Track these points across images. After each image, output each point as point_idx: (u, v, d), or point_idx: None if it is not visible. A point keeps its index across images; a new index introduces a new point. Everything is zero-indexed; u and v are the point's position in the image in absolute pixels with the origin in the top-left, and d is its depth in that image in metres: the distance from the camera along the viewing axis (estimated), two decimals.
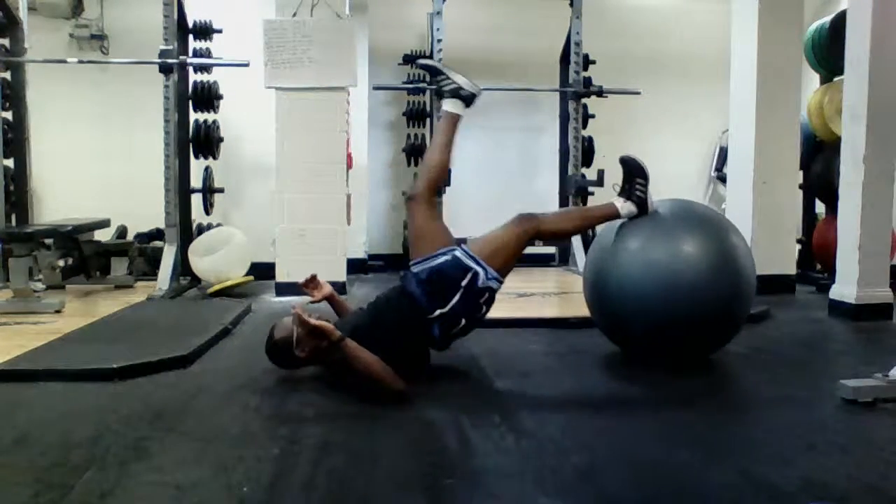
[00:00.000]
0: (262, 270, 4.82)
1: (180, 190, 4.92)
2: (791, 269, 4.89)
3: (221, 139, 5.32)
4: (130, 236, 5.40)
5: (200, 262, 4.74)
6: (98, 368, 2.60)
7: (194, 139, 5.16)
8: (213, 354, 3.02)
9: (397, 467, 1.79)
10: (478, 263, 2.52)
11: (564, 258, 5.93)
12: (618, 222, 2.81)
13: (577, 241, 5.62)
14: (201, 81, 5.23)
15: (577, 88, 5.73)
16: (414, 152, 5.89)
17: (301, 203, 4.66)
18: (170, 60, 4.70)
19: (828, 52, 4.92)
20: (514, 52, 6.30)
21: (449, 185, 5.59)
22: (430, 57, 5.69)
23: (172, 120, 4.75)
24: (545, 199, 6.29)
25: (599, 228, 3.01)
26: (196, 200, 5.27)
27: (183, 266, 4.85)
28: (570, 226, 2.90)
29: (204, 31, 5.29)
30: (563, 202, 5.99)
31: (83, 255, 4.71)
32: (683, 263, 2.65)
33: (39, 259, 4.18)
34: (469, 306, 2.52)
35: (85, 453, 1.86)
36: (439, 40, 5.48)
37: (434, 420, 2.17)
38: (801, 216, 5.38)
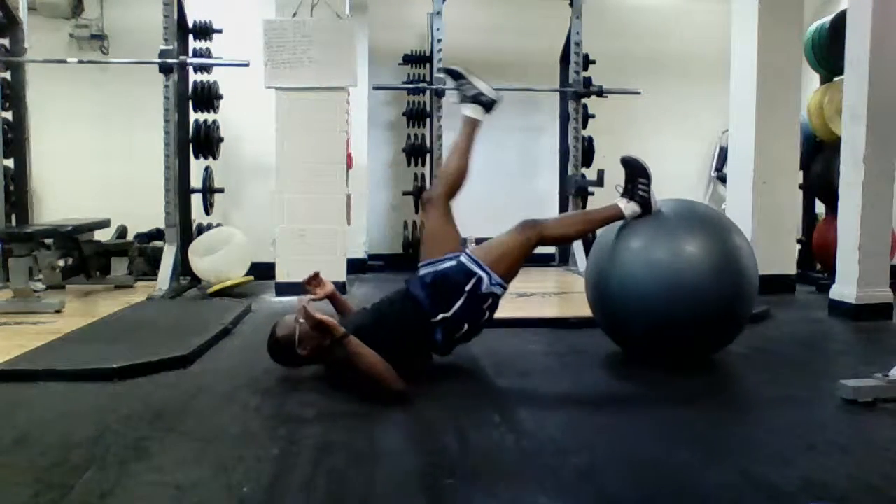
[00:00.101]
0: (262, 270, 4.82)
1: (180, 190, 4.92)
2: (791, 269, 4.89)
3: (221, 139, 5.32)
4: (130, 236, 5.40)
5: (200, 262, 4.74)
6: (98, 368, 2.60)
7: (194, 139, 5.16)
8: (213, 354, 3.02)
9: (397, 467, 1.79)
10: (482, 269, 2.53)
11: (564, 258, 5.93)
12: (619, 222, 2.81)
13: (577, 241, 5.61)
14: (201, 81, 5.23)
15: (577, 88, 5.73)
16: (414, 152, 5.89)
17: (301, 203, 4.66)
18: (170, 60, 4.70)
19: (828, 52, 4.92)
20: (514, 52, 6.30)
21: None
22: (430, 57, 5.70)
23: (172, 120, 4.75)
24: (545, 199, 6.30)
25: (601, 229, 3.01)
26: (196, 200, 5.27)
27: (183, 266, 4.85)
28: (573, 230, 2.91)
29: (204, 31, 5.29)
30: (564, 202, 5.99)
31: (83, 255, 4.71)
32: (686, 263, 2.65)
33: (39, 259, 4.18)
34: (472, 311, 2.54)
35: (85, 453, 1.86)
36: (439, 40, 5.48)
37: (434, 420, 2.17)
38: (801, 216, 5.37)
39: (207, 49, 5.35)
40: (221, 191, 5.42)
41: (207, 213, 5.40)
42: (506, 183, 6.40)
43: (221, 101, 5.31)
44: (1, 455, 1.88)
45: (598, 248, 2.91)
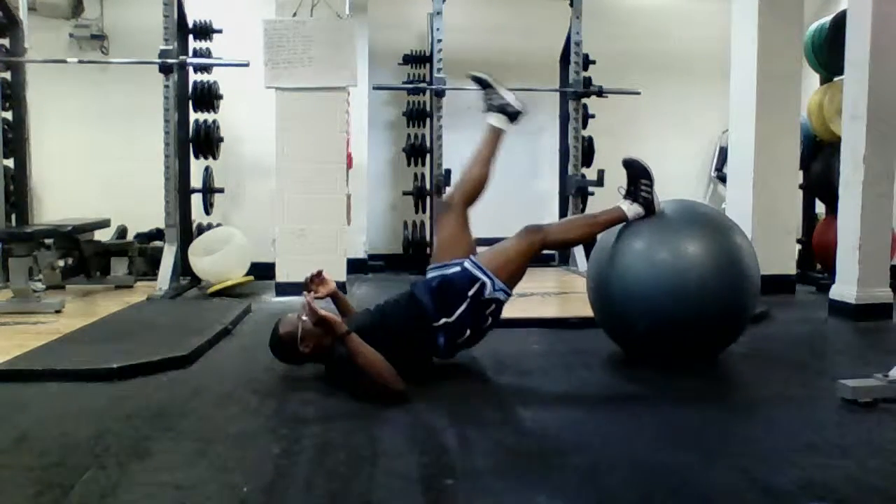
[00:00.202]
0: (262, 270, 4.82)
1: (180, 190, 4.92)
2: (791, 269, 4.89)
3: (221, 139, 5.32)
4: (130, 236, 5.40)
5: (200, 262, 4.74)
6: (98, 368, 2.60)
7: (194, 139, 5.16)
8: (213, 354, 3.02)
9: (397, 467, 1.79)
10: (485, 274, 2.54)
11: (565, 258, 5.93)
12: None
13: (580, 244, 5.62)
14: (201, 81, 5.23)
15: (577, 88, 5.73)
16: (414, 152, 5.88)
17: (301, 203, 4.66)
18: (170, 60, 4.70)
19: (828, 53, 4.92)
20: (514, 52, 6.29)
21: (449, 184, 5.59)
22: (430, 57, 5.70)
23: (172, 120, 4.75)
24: (545, 199, 6.30)
25: None
26: (196, 200, 5.27)
27: (183, 266, 4.85)
28: (576, 234, 2.91)
29: (204, 31, 5.29)
30: (564, 202, 5.99)
31: (83, 255, 4.71)
32: (688, 263, 2.65)
33: (39, 259, 4.18)
34: (475, 317, 2.55)
35: (85, 453, 1.86)
36: (439, 40, 5.48)
37: (434, 420, 2.17)
38: (801, 216, 5.37)
39: (207, 49, 5.35)
40: (221, 191, 5.42)
41: (207, 213, 5.40)
42: (506, 183, 6.32)
43: (221, 101, 5.31)
44: (1, 455, 1.88)
45: (601, 249, 2.91)
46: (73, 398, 2.37)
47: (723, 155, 6.33)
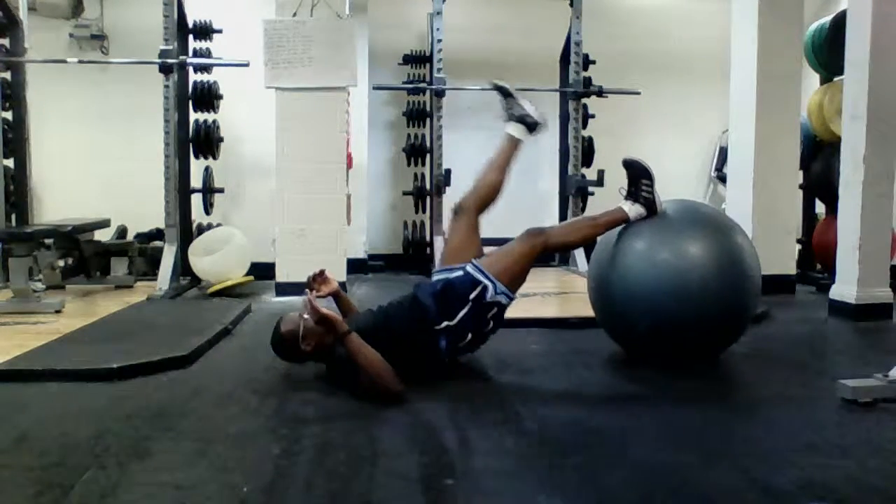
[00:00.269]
0: (262, 270, 4.82)
1: (180, 190, 4.92)
2: (791, 269, 4.89)
3: (221, 139, 5.32)
4: (130, 236, 5.40)
5: (200, 262, 4.74)
6: (98, 368, 2.60)
7: (194, 139, 5.16)
8: (213, 354, 3.02)
9: (397, 467, 1.79)
10: (487, 278, 2.55)
11: (564, 258, 5.93)
12: None
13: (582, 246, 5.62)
14: (201, 81, 5.22)
15: (577, 88, 5.73)
16: (414, 152, 5.89)
17: (301, 203, 4.66)
18: (170, 60, 4.70)
19: (828, 52, 4.92)
20: (514, 52, 6.29)
21: (449, 185, 5.59)
22: (430, 57, 5.70)
23: (172, 120, 4.75)
24: (545, 199, 6.30)
25: None
26: (196, 200, 5.27)
27: (183, 266, 4.85)
28: (578, 237, 2.90)
29: (204, 31, 5.29)
30: (564, 202, 5.99)
31: (83, 255, 4.71)
32: (689, 264, 2.65)
33: (39, 259, 4.18)
34: (477, 321, 2.55)
35: (85, 453, 1.86)
36: (439, 40, 5.48)
37: (434, 420, 2.17)
38: (801, 216, 5.37)
39: (207, 49, 5.35)
40: (221, 191, 5.42)
41: (207, 213, 5.40)
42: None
43: (221, 101, 5.31)
44: (1, 455, 1.88)
45: (602, 249, 2.91)
46: (73, 398, 2.37)
47: (723, 155, 6.33)
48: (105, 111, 5.70)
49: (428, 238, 5.82)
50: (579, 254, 5.54)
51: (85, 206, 5.32)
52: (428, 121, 5.95)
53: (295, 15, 4.64)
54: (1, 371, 2.59)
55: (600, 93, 5.76)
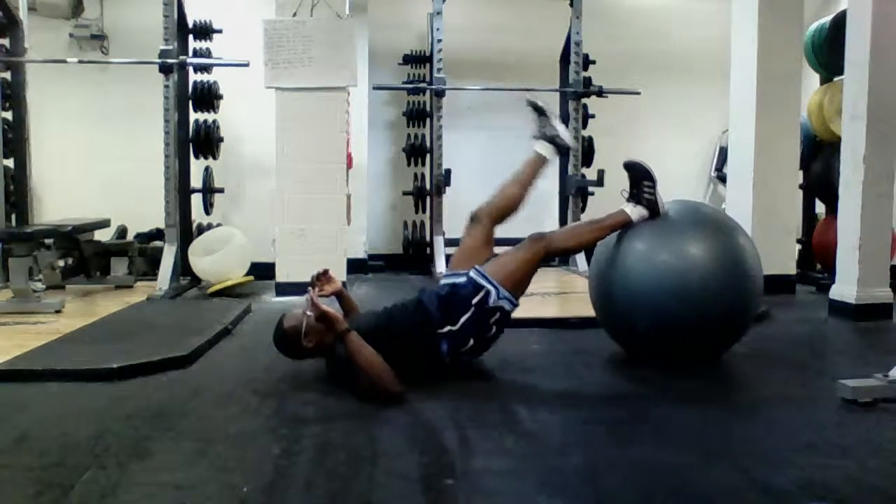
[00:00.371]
0: (262, 270, 4.82)
1: (180, 190, 4.92)
2: (791, 269, 4.88)
3: (221, 139, 5.32)
4: (130, 236, 5.40)
5: (200, 262, 4.74)
6: (98, 368, 2.60)
7: (194, 139, 5.16)
8: (213, 354, 3.02)
9: (397, 467, 1.79)
10: (490, 283, 2.56)
11: (565, 258, 5.92)
12: None
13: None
14: (201, 81, 5.22)
15: (577, 88, 5.72)
16: (414, 152, 5.88)
17: (301, 203, 4.66)
18: (170, 60, 4.70)
19: (828, 53, 4.92)
20: (514, 52, 6.29)
21: (449, 185, 5.60)
22: (430, 57, 5.70)
23: (172, 120, 4.75)
24: (545, 199, 6.29)
25: None
26: (196, 200, 5.27)
27: (183, 266, 4.85)
28: (581, 240, 2.90)
29: (204, 31, 5.29)
30: (564, 202, 5.99)
31: (83, 255, 4.71)
32: (691, 264, 2.65)
33: (39, 259, 4.18)
34: (479, 326, 2.56)
35: (85, 453, 1.86)
36: (439, 40, 5.48)
37: (434, 420, 2.17)
38: (801, 216, 5.37)
39: (207, 49, 5.35)
40: (221, 191, 5.42)
41: (207, 213, 5.40)
42: None
43: (221, 101, 5.31)
44: (1, 455, 1.88)
45: (603, 249, 2.91)
46: (73, 398, 2.37)
47: (723, 155, 6.33)
48: (105, 111, 5.70)
49: (428, 238, 5.82)
50: (580, 254, 5.54)
51: (85, 206, 5.31)
52: (428, 121, 5.95)
53: (295, 15, 4.64)
54: (1, 371, 2.59)
55: (600, 93, 5.76)
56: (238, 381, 2.57)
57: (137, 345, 2.98)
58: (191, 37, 5.29)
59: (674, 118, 6.57)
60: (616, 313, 2.86)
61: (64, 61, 5.22)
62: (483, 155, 6.42)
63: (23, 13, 4.88)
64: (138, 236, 5.36)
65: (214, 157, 5.32)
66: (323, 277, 2.78)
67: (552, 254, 2.72)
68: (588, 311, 3.09)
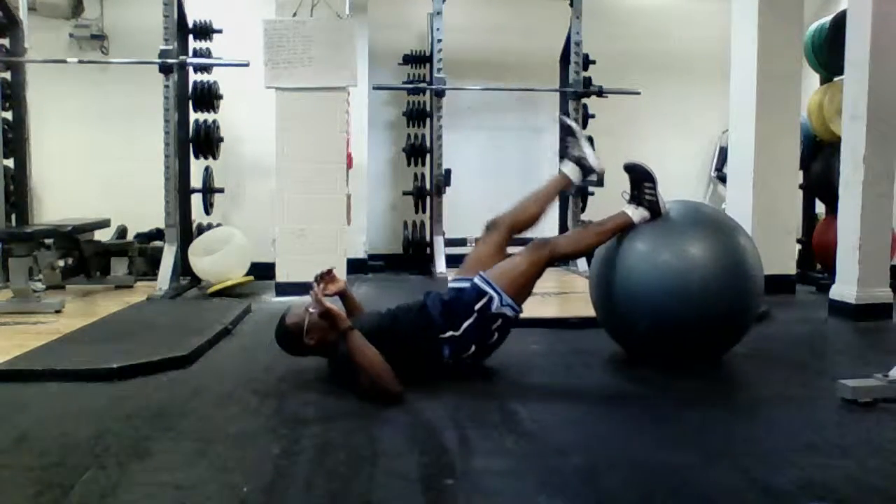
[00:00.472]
0: (262, 270, 4.82)
1: (180, 190, 4.92)
2: (791, 269, 4.88)
3: (221, 139, 5.32)
4: (130, 236, 5.40)
5: (200, 262, 4.74)
6: (98, 368, 2.60)
7: (194, 139, 5.16)
8: (213, 354, 3.02)
9: (397, 467, 1.79)
10: (493, 289, 2.56)
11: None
12: None
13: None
14: (201, 81, 5.22)
15: (577, 88, 5.72)
16: (414, 152, 5.88)
17: (301, 203, 4.66)
18: (170, 60, 4.70)
19: (828, 52, 4.91)
20: (514, 52, 6.29)
21: (449, 185, 5.60)
22: (430, 57, 5.70)
23: (172, 120, 4.75)
24: None
25: None
26: (196, 200, 5.27)
27: (183, 266, 4.85)
28: (585, 245, 2.91)
29: (204, 31, 5.28)
30: (563, 202, 5.99)
31: (83, 255, 4.71)
32: (692, 264, 2.65)
33: (39, 259, 4.18)
34: (481, 332, 2.56)
35: (85, 453, 1.86)
36: (439, 40, 5.48)
37: (434, 420, 2.17)
38: (801, 216, 5.37)
39: (207, 49, 5.35)
40: (221, 191, 5.42)
41: (207, 213, 5.40)
42: (506, 183, 6.38)
43: (221, 101, 5.30)
44: (1, 455, 1.88)
45: (603, 250, 2.90)
46: (73, 398, 2.37)
47: (723, 155, 6.33)
48: (105, 111, 5.70)
49: (428, 238, 5.82)
50: None
51: (85, 206, 5.32)
52: (428, 121, 5.95)
53: (295, 15, 4.64)
54: (1, 371, 2.59)
55: (600, 93, 5.76)
56: (238, 381, 2.57)
57: (137, 345, 2.98)
58: (191, 37, 5.28)
59: (674, 118, 6.57)
60: (616, 313, 2.86)
61: (64, 61, 5.22)
62: (483, 155, 6.43)
63: (23, 13, 4.89)
64: (138, 236, 5.36)
65: (214, 157, 5.32)
66: (327, 276, 2.77)
67: (556, 259, 2.72)
68: (588, 311, 3.09)
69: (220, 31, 5.32)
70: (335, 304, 2.52)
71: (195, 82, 5.22)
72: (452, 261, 5.38)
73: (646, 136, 6.38)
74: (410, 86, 5.85)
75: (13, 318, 3.64)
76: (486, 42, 6.35)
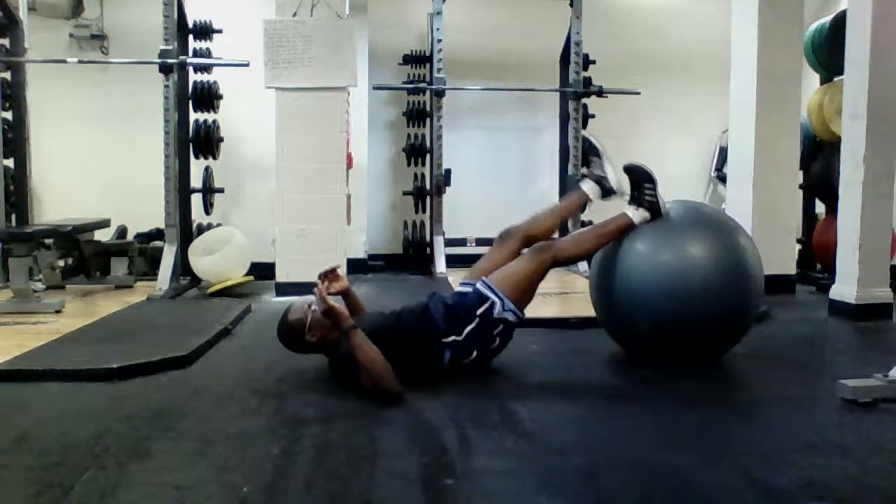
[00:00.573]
0: (262, 270, 4.82)
1: (180, 190, 4.92)
2: (791, 269, 4.88)
3: (221, 139, 5.32)
4: (130, 236, 5.40)
5: (200, 262, 4.74)
6: (98, 368, 2.60)
7: (194, 139, 5.16)
8: (213, 354, 3.02)
9: (397, 467, 1.79)
10: (495, 294, 2.58)
11: None
12: None
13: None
14: (201, 81, 5.22)
15: (577, 88, 5.72)
16: (414, 152, 5.89)
17: (301, 203, 4.66)
18: (170, 60, 4.70)
19: (828, 53, 4.92)
20: (514, 52, 6.29)
21: (449, 184, 5.60)
22: (430, 57, 5.70)
23: (172, 120, 4.75)
24: (545, 199, 6.28)
25: None
26: (196, 200, 5.26)
27: (183, 266, 4.85)
28: (586, 248, 2.89)
29: (204, 31, 5.28)
30: None
31: (83, 255, 4.71)
32: (692, 264, 2.65)
33: (39, 259, 4.18)
34: (483, 337, 2.57)
35: (85, 453, 1.86)
36: (439, 40, 5.48)
37: (434, 420, 2.17)
38: (801, 216, 5.37)
39: (207, 49, 5.35)
40: (221, 191, 5.42)
41: (207, 213, 5.40)
42: (506, 183, 6.40)
43: (221, 101, 5.30)
44: (1, 455, 1.88)
45: (604, 250, 2.90)
46: (73, 398, 2.37)
47: (723, 155, 6.33)
48: (105, 111, 5.70)
49: (428, 238, 5.82)
50: None
51: (85, 206, 5.31)
52: (428, 121, 5.95)
53: (295, 15, 4.64)
54: (1, 371, 2.59)
55: (600, 93, 5.76)
56: (238, 381, 2.57)
57: (137, 345, 2.98)
58: (191, 37, 5.28)
59: (674, 118, 6.56)
60: (617, 313, 2.86)
61: (64, 61, 5.22)
62: (483, 155, 6.43)
63: (23, 13, 4.88)
64: (138, 236, 5.36)
65: (214, 157, 5.32)
66: (331, 274, 2.77)
67: (558, 264, 2.72)
68: (588, 311, 3.09)
69: (220, 31, 5.32)
70: (338, 303, 2.53)
71: (195, 82, 5.22)
72: (452, 261, 5.38)
73: (646, 136, 6.37)
74: (410, 86, 5.85)
75: (13, 318, 3.63)
76: (486, 42, 6.35)
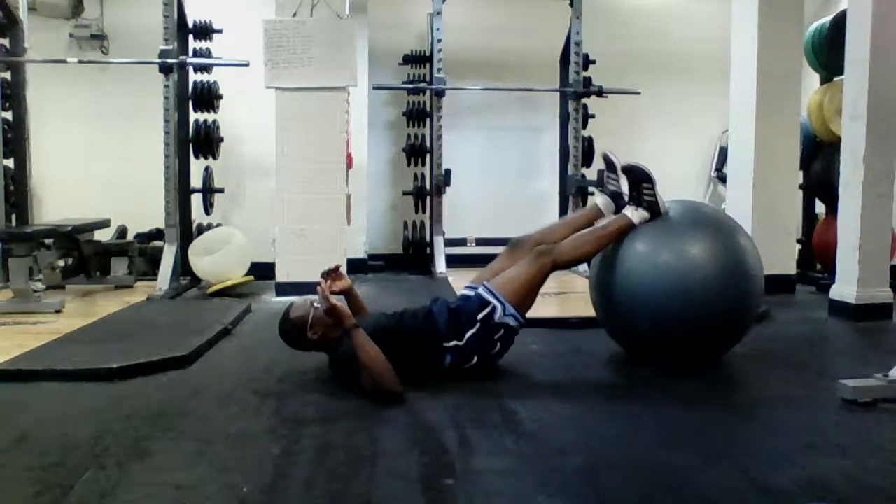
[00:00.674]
0: (262, 270, 4.82)
1: (180, 190, 4.92)
2: (791, 269, 4.88)
3: (221, 139, 5.32)
4: (130, 236, 5.40)
5: (200, 262, 4.74)
6: (98, 368, 2.60)
7: (194, 139, 5.16)
8: (213, 354, 3.02)
9: (397, 467, 1.79)
10: (496, 298, 2.58)
11: None
12: None
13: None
14: (201, 81, 5.22)
15: (577, 88, 5.72)
16: (414, 152, 5.88)
17: (301, 203, 4.66)
18: (170, 60, 4.70)
19: (828, 53, 4.91)
20: (514, 52, 6.29)
21: (449, 184, 5.60)
22: (430, 57, 5.70)
23: (172, 120, 4.75)
24: (545, 199, 6.30)
25: None
26: (196, 200, 5.27)
27: (183, 266, 4.85)
28: (587, 250, 2.88)
29: (204, 31, 5.29)
30: (564, 202, 5.99)
31: (83, 255, 4.71)
32: (692, 264, 2.65)
33: (39, 259, 4.18)
34: (484, 342, 2.57)
35: (85, 453, 1.86)
36: (439, 40, 5.48)
37: (434, 420, 2.17)
38: (801, 216, 5.37)
39: (207, 49, 5.35)
40: (221, 191, 5.42)
41: (207, 213, 5.40)
42: (506, 183, 6.40)
43: (221, 101, 5.30)
44: (1, 455, 1.88)
45: (604, 250, 2.90)
46: (73, 398, 2.37)
47: (723, 155, 6.33)
48: (105, 111, 5.70)
49: (428, 238, 5.82)
50: None
51: (85, 206, 5.32)
52: (428, 121, 5.95)
53: (295, 15, 4.64)
54: (1, 371, 2.59)
55: (600, 93, 5.76)
56: (238, 381, 2.57)
57: (137, 345, 2.98)
58: (191, 37, 5.29)
59: (674, 118, 6.56)
60: (617, 313, 2.86)
61: (64, 61, 5.22)
62: (483, 155, 6.43)
63: (23, 13, 4.89)
64: (138, 236, 5.36)
65: (214, 157, 5.32)
66: (334, 273, 2.77)
67: (559, 268, 2.72)
68: (588, 311, 3.09)
69: (220, 31, 5.32)
70: (341, 303, 2.53)
71: (195, 82, 5.22)
72: (452, 261, 5.38)
73: (646, 136, 6.38)
74: (410, 86, 5.85)
75: (13, 318, 3.64)
76: (486, 42, 6.35)
